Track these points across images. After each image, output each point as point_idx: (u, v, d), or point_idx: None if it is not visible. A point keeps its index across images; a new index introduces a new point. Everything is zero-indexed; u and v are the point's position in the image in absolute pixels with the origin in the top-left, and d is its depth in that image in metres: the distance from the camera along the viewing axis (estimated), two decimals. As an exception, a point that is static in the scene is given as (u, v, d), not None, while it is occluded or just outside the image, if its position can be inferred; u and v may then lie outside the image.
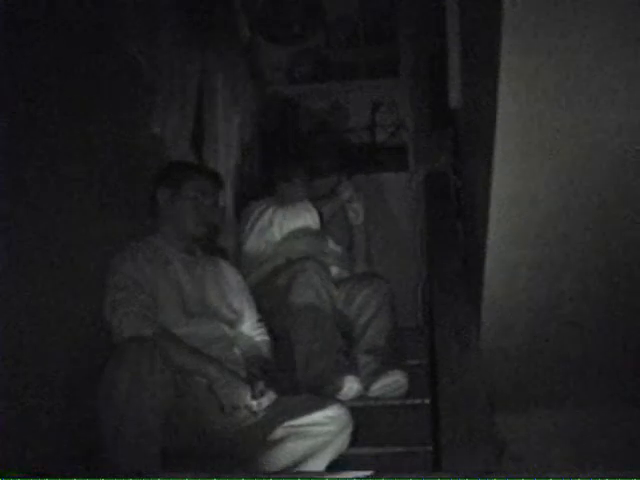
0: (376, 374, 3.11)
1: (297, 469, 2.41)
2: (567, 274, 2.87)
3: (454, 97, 3.79)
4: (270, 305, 3.41)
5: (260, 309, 3.22)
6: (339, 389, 3.04)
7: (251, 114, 4.75)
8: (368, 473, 2.26)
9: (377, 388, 3.09)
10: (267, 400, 2.61)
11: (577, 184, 2.47)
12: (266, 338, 3.10)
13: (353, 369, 3.16)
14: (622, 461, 3.85)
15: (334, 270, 3.68)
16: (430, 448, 2.66)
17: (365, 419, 2.74)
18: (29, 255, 2.41)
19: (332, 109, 5.43)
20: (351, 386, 3.05)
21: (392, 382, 3.08)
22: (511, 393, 3.56)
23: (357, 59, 5.45)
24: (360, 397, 3.09)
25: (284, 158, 4.73)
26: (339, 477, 2.34)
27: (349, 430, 2.56)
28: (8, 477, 1.98)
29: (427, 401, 2.95)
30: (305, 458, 2.44)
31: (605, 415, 3.89)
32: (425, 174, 4.05)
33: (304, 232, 3.85)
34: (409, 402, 3.03)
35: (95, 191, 2.90)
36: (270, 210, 3.81)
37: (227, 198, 4.11)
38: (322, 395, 2.91)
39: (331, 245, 3.90)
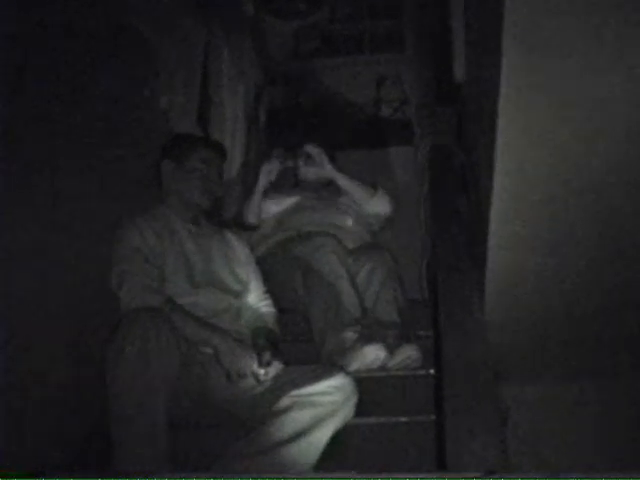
0: (391, 349, 3.08)
1: (302, 438, 2.44)
2: (570, 246, 2.89)
3: (458, 71, 3.79)
4: (282, 276, 3.43)
5: (267, 281, 3.25)
6: (365, 358, 3.01)
7: (256, 89, 4.76)
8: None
9: (393, 364, 3.07)
10: (274, 369, 2.65)
11: (581, 156, 2.48)
12: (272, 310, 3.13)
13: (374, 339, 3.11)
14: (619, 433, 3.90)
15: (349, 244, 3.69)
16: (434, 417, 2.68)
17: (369, 389, 2.75)
18: (33, 230, 2.45)
19: (337, 84, 5.43)
20: (378, 354, 3.01)
21: (407, 357, 3.07)
22: (514, 364, 3.57)
23: (361, 34, 5.45)
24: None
25: (289, 132, 4.76)
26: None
27: (354, 400, 2.59)
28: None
29: (432, 371, 2.97)
30: (310, 427, 2.47)
31: (607, 387, 3.92)
32: (429, 148, 4.05)
33: (309, 206, 3.91)
34: (414, 373, 3.04)
35: (101, 166, 2.93)
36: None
37: (233, 171, 4.14)
38: (342, 366, 2.90)
39: (340, 218, 3.93)
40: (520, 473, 1.83)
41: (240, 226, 3.78)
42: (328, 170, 3.92)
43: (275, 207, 3.97)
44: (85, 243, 2.80)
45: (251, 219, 3.86)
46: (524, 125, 2.37)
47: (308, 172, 3.99)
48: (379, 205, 3.94)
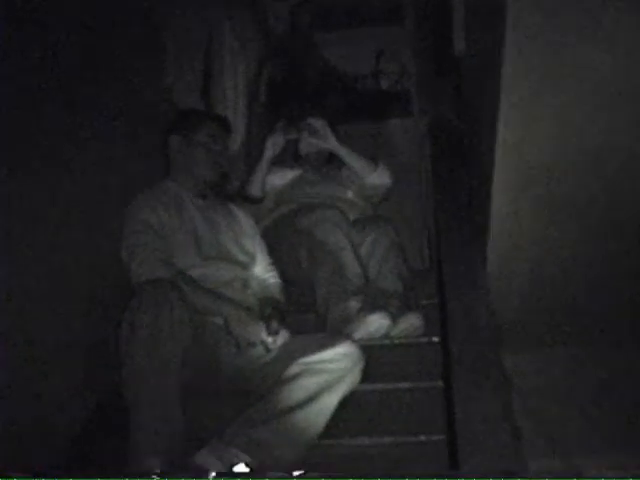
0: (394, 318, 3.12)
1: (311, 404, 2.48)
2: (570, 215, 2.93)
3: (458, 44, 3.81)
4: (287, 247, 3.48)
5: (272, 253, 3.29)
6: (368, 327, 3.06)
7: (257, 63, 4.78)
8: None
9: (397, 332, 3.12)
10: (281, 338, 2.70)
11: (580, 126, 2.52)
12: (278, 281, 3.18)
13: (378, 307, 3.15)
14: (614, 399, 3.96)
15: (351, 216, 3.72)
16: (439, 384, 2.73)
17: (375, 357, 2.79)
18: (44, 206, 2.49)
19: (336, 57, 5.43)
20: (381, 323, 3.06)
21: (409, 325, 3.11)
22: (516, 331, 3.61)
23: (360, 7, 5.45)
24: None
25: (289, 107, 4.78)
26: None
27: (360, 366, 2.63)
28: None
29: (436, 339, 3.02)
30: (318, 393, 2.50)
31: (609, 354, 3.96)
32: (429, 120, 4.08)
33: (311, 180, 3.96)
34: (418, 340, 3.09)
35: (107, 141, 2.97)
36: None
37: (235, 145, 4.17)
38: (347, 334, 2.95)
39: (341, 190, 3.98)
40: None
41: (244, 199, 3.82)
42: (331, 143, 3.94)
43: (278, 181, 4.00)
44: (95, 217, 2.85)
45: (255, 192, 3.89)
46: (527, 96, 2.41)
47: (310, 145, 4.01)
48: (380, 177, 3.96)
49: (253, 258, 3.16)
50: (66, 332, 2.63)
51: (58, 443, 2.56)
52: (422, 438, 2.58)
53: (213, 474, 2.23)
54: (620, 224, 2.99)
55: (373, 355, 2.77)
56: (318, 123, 3.95)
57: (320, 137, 3.95)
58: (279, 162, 4.03)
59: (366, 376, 2.66)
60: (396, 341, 3.10)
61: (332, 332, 3.06)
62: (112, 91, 3.05)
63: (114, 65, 3.08)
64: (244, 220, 3.26)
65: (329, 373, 2.55)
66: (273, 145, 3.91)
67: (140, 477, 2.08)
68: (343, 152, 3.94)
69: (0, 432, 2.20)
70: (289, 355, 2.63)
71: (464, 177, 3.46)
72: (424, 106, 4.35)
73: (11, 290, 2.30)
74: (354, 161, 3.94)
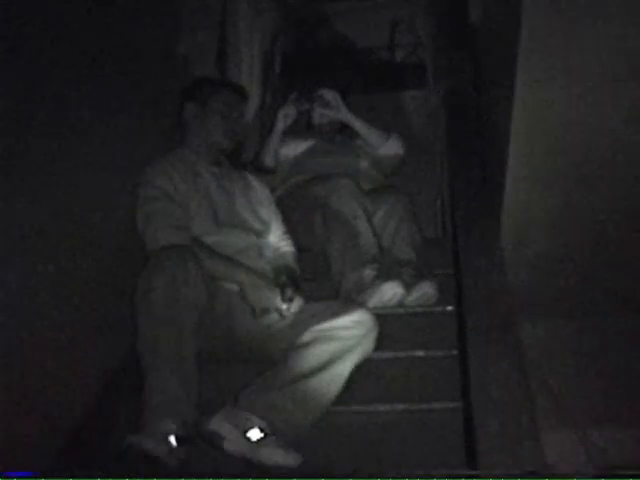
0: (408, 286, 3.13)
1: (325, 371, 2.49)
2: (585, 185, 2.93)
3: (475, 14, 3.80)
4: (300, 216, 3.48)
5: (286, 221, 3.30)
6: (383, 295, 3.07)
7: (272, 34, 4.77)
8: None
9: (411, 301, 3.13)
10: (296, 305, 2.71)
11: (598, 92, 2.51)
12: (292, 249, 3.19)
13: (392, 276, 3.16)
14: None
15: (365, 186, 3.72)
16: (454, 352, 2.74)
17: (389, 325, 2.79)
18: (57, 178, 2.49)
19: (351, 28, 5.41)
20: (395, 291, 3.07)
21: (423, 294, 3.13)
22: (530, 300, 3.62)
23: (375, -23, 5.42)
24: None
25: (304, 77, 4.77)
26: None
27: (374, 334, 2.63)
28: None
29: (450, 308, 3.03)
30: (332, 360, 2.51)
31: (623, 325, 3.97)
32: (444, 91, 4.06)
33: (324, 150, 3.96)
34: (432, 309, 3.11)
35: (121, 111, 2.97)
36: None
37: (249, 115, 4.17)
38: (361, 303, 2.96)
39: (354, 160, 3.97)
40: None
41: (257, 169, 3.82)
42: (343, 114, 3.95)
43: (291, 151, 4.01)
44: (111, 182, 2.85)
45: (268, 162, 3.90)
46: (544, 63, 2.40)
47: (323, 116, 4.02)
48: (392, 148, 3.97)
49: (268, 226, 3.16)
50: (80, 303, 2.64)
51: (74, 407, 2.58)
52: (436, 405, 2.59)
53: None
54: (637, 195, 2.98)
55: (387, 324, 2.76)
56: (330, 94, 3.95)
57: (332, 108, 3.95)
58: (292, 133, 4.04)
59: (380, 344, 2.67)
60: (410, 310, 3.11)
61: (346, 300, 3.07)
62: (125, 62, 3.03)
63: (128, 35, 3.07)
64: (259, 188, 3.26)
65: (342, 340, 2.56)
66: (285, 117, 3.92)
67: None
68: (355, 123, 3.95)
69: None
70: (303, 322, 2.64)
71: (479, 147, 3.45)
72: (439, 77, 4.33)
73: (21, 269, 2.29)
74: (366, 131, 3.95)
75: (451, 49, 4.22)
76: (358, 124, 3.95)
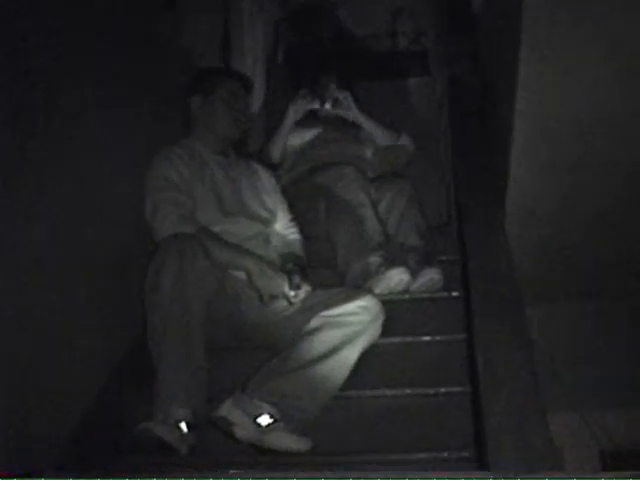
0: (413, 273, 3.14)
1: (333, 356, 2.51)
2: (588, 168, 2.94)
3: (477, 1, 3.81)
4: (306, 204, 3.49)
5: (291, 209, 3.31)
6: (388, 282, 3.08)
7: (274, 23, 4.78)
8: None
9: (416, 287, 3.14)
10: (303, 292, 2.72)
11: (603, 83, 2.52)
12: (298, 237, 3.20)
13: (398, 263, 3.16)
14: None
15: (370, 174, 3.74)
16: (460, 337, 2.75)
17: (395, 311, 2.80)
18: (65, 170, 2.51)
19: (353, 17, 5.41)
20: (401, 277, 3.08)
21: (428, 280, 3.13)
22: (535, 285, 3.63)
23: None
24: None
25: (307, 67, 4.78)
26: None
27: (381, 320, 2.66)
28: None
29: (455, 294, 3.05)
30: (339, 346, 2.54)
31: (629, 308, 3.98)
32: (447, 78, 4.07)
33: (330, 139, 3.97)
34: (438, 295, 3.12)
35: (127, 103, 2.98)
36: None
37: (253, 107, 4.18)
38: (367, 289, 2.98)
39: (359, 148, 3.99)
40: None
41: (263, 163, 3.83)
42: (354, 113, 3.96)
43: (297, 140, 4.01)
44: (118, 170, 2.88)
45: (275, 156, 3.91)
46: (546, 48, 2.41)
47: (331, 113, 4.03)
48: (402, 148, 3.99)
49: (274, 214, 3.18)
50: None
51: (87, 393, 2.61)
52: (442, 390, 2.61)
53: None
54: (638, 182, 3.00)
55: (393, 310, 2.78)
56: (341, 94, 3.95)
57: (343, 107, 3.96)
58: (298, 122, 4.04)
59: (387, 330, 2.69)
60: (416, 296, 3.12)
61: (352, 287, 3.08)
62: (129, 54, 3.05)
63: (132, 26, 3.08)
64: (265, 177, 3.28)
65: (350, 326, 2.58)
66: (295, 112, 3.92)
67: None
68: (366, 123, 3.97)
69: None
70: (310, 309, 2.67)
71: (483, 134, 3.46)
72: (442, 65, 4.34)
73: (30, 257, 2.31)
74: (376, 131, 3.96)
75: (453, 36, 4.22)
76: (368, 124, 3.97)
